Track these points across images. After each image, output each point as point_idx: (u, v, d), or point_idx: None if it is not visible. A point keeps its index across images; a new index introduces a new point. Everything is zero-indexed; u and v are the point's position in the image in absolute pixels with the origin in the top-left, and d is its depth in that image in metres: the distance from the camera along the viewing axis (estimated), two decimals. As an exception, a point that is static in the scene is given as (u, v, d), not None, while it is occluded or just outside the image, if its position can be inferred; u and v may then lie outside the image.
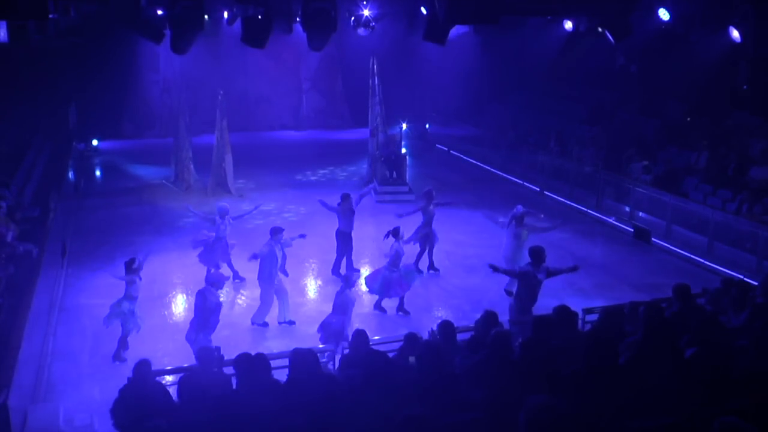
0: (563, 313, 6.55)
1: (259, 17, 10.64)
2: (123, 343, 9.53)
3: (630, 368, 5.53)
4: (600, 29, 13.45)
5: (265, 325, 10.48)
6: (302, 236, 11.20)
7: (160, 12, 10.73)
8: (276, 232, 10.57)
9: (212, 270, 10.37)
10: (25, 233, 12.53)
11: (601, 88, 21.77)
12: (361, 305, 11.24)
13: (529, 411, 3.80)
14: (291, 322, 10.57)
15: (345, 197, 12.42)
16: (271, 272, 10.38)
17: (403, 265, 10.80)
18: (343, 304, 9.08)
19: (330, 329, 8.94)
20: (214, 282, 8.94)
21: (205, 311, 8.72)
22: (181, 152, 18.53)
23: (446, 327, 6.99)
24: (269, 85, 27.29)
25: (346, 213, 12.34)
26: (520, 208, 11.74)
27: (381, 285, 10.63)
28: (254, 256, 10.51)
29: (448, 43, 11.08)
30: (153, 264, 12.94)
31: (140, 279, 9.66)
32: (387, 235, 10.81)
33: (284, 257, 10.87)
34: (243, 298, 11.70)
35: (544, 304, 9.53)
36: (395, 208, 14.74)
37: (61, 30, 21.31)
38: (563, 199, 17.67)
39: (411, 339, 6.76)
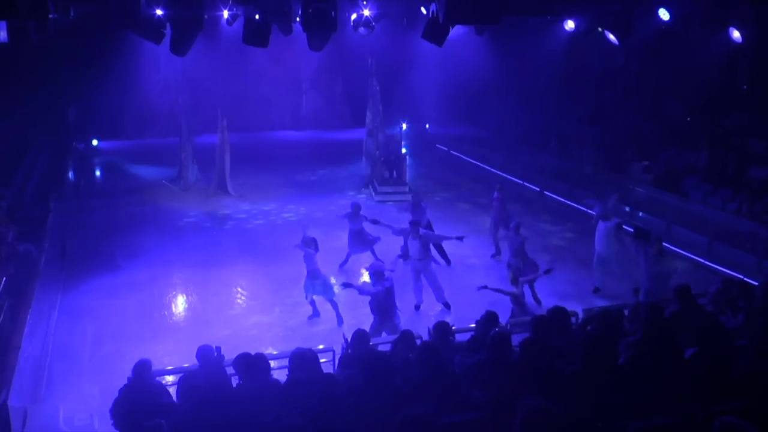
0: (557, 314, 6.55)
1: (258, 17, 10.63)
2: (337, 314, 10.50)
3: (630, 368, 5.53)
4: (600, 29, 13.45)
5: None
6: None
7: (159, 12, 10.70)
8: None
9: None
10: (25, 233, 12.53)
11: (601, 88, 21.77)
12: (362, 305, 11.26)
13: (523, 414, 3.80)
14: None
15: (415, 197, 13.34)
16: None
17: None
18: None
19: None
20: (376, 272, 9.27)
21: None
22: (181, 152, 18.54)
23: (441, 327, 7.01)
24: (269, 85, 27.28)
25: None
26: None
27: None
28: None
29: (448, 43, 11.08)
30: (153, 264, 13.02)
31: (316, 251, 10.61)
32: (510, 230, 11.63)
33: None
34: (243, 298, 11.70)
35: (545, 303, 9.56)
36: (395, 208, 14.81)
37: (61, 30, 21.30)
38: (563, 199, 17.67)
39: (406, 337, 6.77)
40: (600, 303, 10.57)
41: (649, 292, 9.50)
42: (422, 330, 8.31)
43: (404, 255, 11.99)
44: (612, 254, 11.53)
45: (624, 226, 11.83)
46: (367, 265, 10.39)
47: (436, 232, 12.25)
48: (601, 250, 11.60)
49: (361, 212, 12.62)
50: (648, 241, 9.98)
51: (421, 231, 11.29)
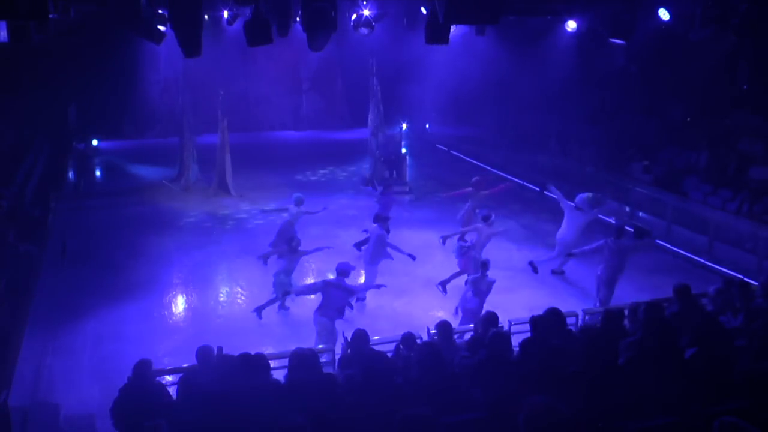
0: (552, 315, 6.55)
1: (257, 16, 10.57)
2: (271, 303, 10.80)
3: (630, 368, 5.53)
4: (600, 29, 13.46)
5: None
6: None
7: (160, 11, 10.67)
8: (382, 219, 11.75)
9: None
10: (25, 233, 12.53)
11: (601, 88, 21.78)
12: (361, 305, 11.26)
13: (528, 411, 3.81)
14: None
15: (386, 187, 13.74)
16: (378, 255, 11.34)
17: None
18: (483, 289, 9.45)
19: (469, 312, 9.33)
20: (343, 271, 9.34)
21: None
22: (183, 152, 18.53)
23: (444, 327, 7.00)
24: (269, 85, 27.26)
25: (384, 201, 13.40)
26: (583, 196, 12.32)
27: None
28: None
29: (448, 43, 11.05)
30: (153, 264, 13.02)
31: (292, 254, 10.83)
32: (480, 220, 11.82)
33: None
34: (243, 298, 11.70)
35: (544, 303, 9.55)
36: (395, 208, 14.79)
37: (61, 30, 21.27)
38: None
39: (408, 339, 6.77)
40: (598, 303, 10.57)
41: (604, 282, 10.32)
42: (423, 330, 8.31)
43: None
44: (577, 240, 11.88)
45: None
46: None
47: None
48: (571, 237, 11.90)
49: (302, 206, 12.71)
50: (620, 236, 10.45)
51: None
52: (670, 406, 4.75)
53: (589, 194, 12.25)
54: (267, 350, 8.45)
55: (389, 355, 6.77)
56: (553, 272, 12.43)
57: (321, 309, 9.27)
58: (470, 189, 13.59)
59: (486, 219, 11.47)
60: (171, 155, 19.53)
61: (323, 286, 9.37)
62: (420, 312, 10.97)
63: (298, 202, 12.72)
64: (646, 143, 18.30)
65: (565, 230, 12.12)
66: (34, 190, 16.13)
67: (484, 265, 9.62)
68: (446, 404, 5.02)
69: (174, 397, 6.30)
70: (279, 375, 6.31)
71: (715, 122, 17.62)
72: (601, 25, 12.52)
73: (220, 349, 6.87)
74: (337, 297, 9.20)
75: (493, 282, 9.52)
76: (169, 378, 7.48)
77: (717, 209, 14.16)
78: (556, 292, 11.62)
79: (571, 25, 14.48)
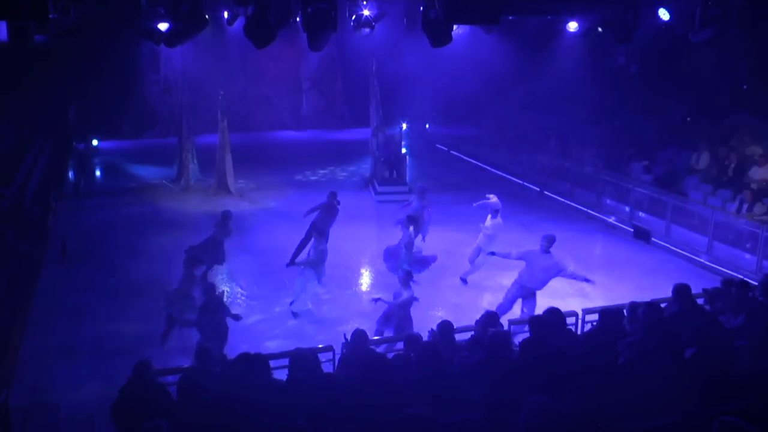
0: (552, 314, 6.55)
1: (258, 18, 10.54)
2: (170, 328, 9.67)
3: (630, 368, 5.54)
4: (600, 29, 13.45)
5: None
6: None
7: (161, 11, 10.66)
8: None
9: None
10: (25, 233, 12.53)
11: (601, 88, 21.77)
12: (361, 305, 11.26)
13: (528, 411, 3.81)
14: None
15: (331, 195, 12.93)
16: None
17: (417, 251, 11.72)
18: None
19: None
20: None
21: None
22: (182, 152, 18.54)
23: (445, 327, 7.00)
24: (269, 85, 27.29)
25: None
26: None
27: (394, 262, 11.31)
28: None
29: (452, 41, 11.02)
30: (153, 264, 13.02)
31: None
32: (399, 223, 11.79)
33: None
34: (243, 297, 11.70)
35: (544, 303, 9.56)
36: (395, 208, 14.79)
37: (61, 30, 21.24)
38: (563, 199, 17.67)
39: (412, 340, 6.77)
40: (598, 303, 10.56)
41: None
42: (424, 331, 8.30)
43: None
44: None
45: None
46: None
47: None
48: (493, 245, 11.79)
49: (230, 224, 11.70)
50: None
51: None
52: (670, 406, 4.75)
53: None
54: (267, 349, 8.46)
55: (390, 356, 6.77)
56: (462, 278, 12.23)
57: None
58: (415, 197, 13.36)
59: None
60: (171, 155, 19.54)
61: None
62: (420, 312, 10.97)
63: (225, 218, 11.71)
64: (646, 143, 18.29)
65: (492, 238, 12.05)
66: (34, 190, 16.11)
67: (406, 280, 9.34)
68: (446, 404, 5.02)
69: (174, 397, 6.29)
70: (279, 375, 6.31)
71: (715, 122, 17.60)
72: (601, 25, 12.51)
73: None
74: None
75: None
76: (169, 378, 7.48)
77: (717, 209, 14.15)
78: (556, 292, 11.60)
79: (573, 25, 14.49)
